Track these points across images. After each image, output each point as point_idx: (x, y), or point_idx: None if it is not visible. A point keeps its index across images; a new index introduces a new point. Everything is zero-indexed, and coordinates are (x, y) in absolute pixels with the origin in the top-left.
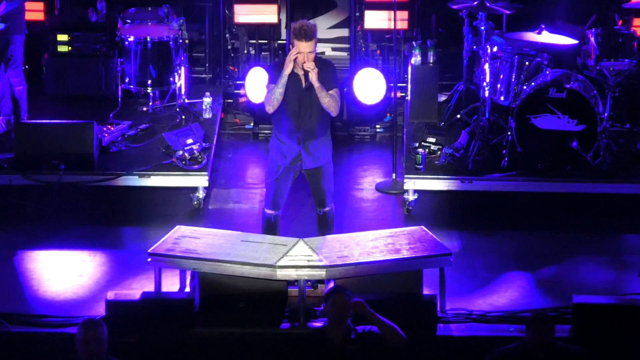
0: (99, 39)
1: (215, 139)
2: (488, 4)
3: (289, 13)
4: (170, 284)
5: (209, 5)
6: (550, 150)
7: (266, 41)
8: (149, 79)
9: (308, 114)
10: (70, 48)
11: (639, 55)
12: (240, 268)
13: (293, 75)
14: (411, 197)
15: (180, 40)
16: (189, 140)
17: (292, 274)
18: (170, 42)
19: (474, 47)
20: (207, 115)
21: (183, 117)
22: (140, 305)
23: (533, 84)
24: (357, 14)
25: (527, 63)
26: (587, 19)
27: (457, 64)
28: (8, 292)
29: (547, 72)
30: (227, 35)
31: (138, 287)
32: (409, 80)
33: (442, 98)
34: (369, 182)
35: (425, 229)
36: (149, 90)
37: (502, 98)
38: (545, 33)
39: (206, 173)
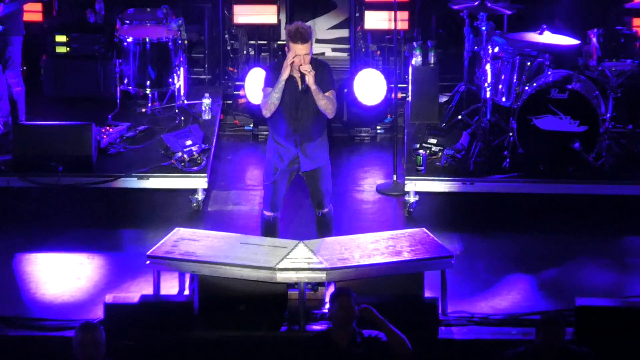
0: (98, 40)
1: (214, 140)
2: (489, 4)
3: (289, 14)
4: (169, 286)
5: (208, 6)
6: (552, 151)
7: (266, 42)
8: (147, 80)
9: (305, 116)
10: (68, 49)
11: None
12: (240, 271)
13: (289, 77)
14: (412, 198)
15: (180, 41)
16: (188, 142)
17: (292, 276)
18: (169, 43)
19: (475, 47)
20: (207, 116)
21: (182, 118)
22: (139, 308)
23: (535, 84)
24: (357, 15)
25: (528, 64)
26: (588, 19)
27: (458, 64)
28: (6, 294)
29: (549, 73)
30: (227, 36)
31: (137, 290)
32: (410, 81)
33: (443, 99)
34: (369, 184)
35: (427, 231)
36: (148, 91)
37: (503, 99)
38: (546, 33)
39: (205, 175)
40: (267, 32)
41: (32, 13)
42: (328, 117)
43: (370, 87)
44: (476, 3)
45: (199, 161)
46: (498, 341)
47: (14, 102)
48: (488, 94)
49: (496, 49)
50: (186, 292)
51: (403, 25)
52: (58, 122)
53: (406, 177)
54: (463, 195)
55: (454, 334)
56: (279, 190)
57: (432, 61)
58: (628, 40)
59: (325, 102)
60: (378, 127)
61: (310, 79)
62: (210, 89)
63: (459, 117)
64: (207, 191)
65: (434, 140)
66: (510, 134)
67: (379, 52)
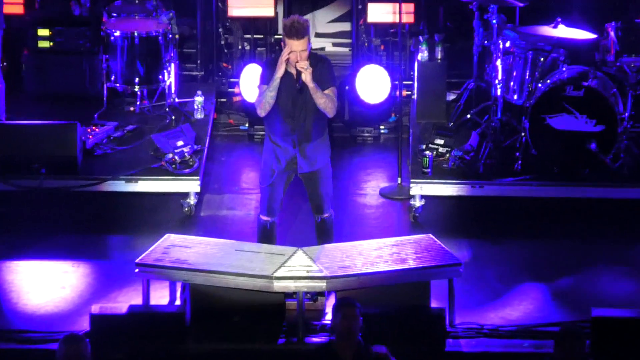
0: (83, 34)
1: (207, 140)
2: None
3: (287, 6)
4: (160, 296)
5: None
6: (567, 152)
7: (262, 36)
8: (136, 76)
9: (302, 115)
10: (51, 44)
11: None
12: (235, 279)
13: (286, 74)
14: (418, 203)
15: (170, 35)
16: (180, 143)
17: (290, 285)
18: (159, 37)
19: (485, 42)
20: (199, 115)
21: (173, 117)
22: (127, 319)
23: (548, 81)
24: (360, 7)
25: (542, 59)
26: (606, 11)
27: (466, 60)
28: None
29: (564, 69)
30: (220, 29)
31: (125, 300)
32: (415, 77)
33: (451, 97)
34: (372, 187)
35: (433, 237)
36: (137, 88)
37: (515, 97)
38: (561, 27)
39: (198, 177)
40: (263, 25)
41: (13, 5)
42: (328, 116)
43: (373, 84)
44: None
45: (191, 163)
46: (509, 354)
47: None
48: (499, 92)
49: (507, 44)
50: (177, 302)
51: (408, 18)
52: (41, 121)
53: (411, 180)
54: (472, 199)
55: (462, 346)
56: (276, 194)
57: (439, 56)
58: None
59: (324, 101)
60: (382, 127)
61: (307, 77)
62: (203, 86)
63: (468, 116)
64: (199, 195)
65: (441, 141)
66: (522, 134)
67: (382, 47)
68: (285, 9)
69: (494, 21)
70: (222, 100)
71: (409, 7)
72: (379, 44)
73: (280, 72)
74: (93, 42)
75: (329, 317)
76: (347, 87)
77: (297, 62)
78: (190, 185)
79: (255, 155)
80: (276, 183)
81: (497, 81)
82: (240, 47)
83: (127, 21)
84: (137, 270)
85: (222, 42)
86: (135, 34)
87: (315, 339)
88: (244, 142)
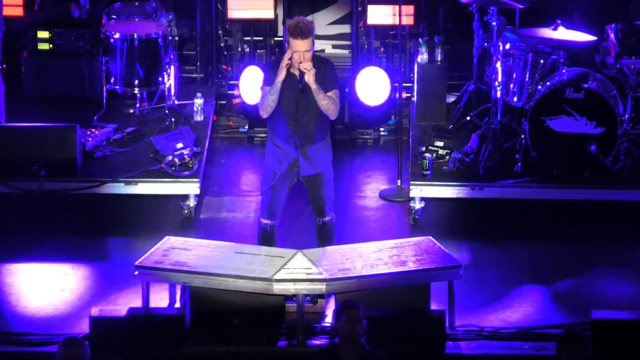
0: (82, 36)
1: (207, 143)
2: None
3: (286, 8)
4: (159, 299)
5: None
6: (567, 154)
7: (262, 38)
8: (136, 79)
9: (305, 117)
10: (51, 46)
11: None
12: (235, 282)
13: (289, 75)
14: (418, 205)
15: (170, 38)
16: (179, 145)
17: (290, 288)
18: (159, 40)
19: (485, 44)
20: (199, 117)
21: (172, 119)
22: (127, 322)
23: (548, 83)
24: (360, 9)
25: (542, 61)
26: (606, 13)
27: (466, 62)
28: None
29: (564, 71)
30: (220, 31)
31: (124, 303)
32: (415, 79)
33: (451, 99)
34: (372, 190)
35: (433, 240)
36: (136, 91)
37: (515, 99)
38: (561, 29)
39: (197, 180)
40: (263, 27)
41: (12, 7)
42: (330, 119)
43: (373, 86)
44: None
45: (191, 165)
46: (509, 357)
47: None
48: (499, 94)
49: (507, 46)
50: (177, 304)
51: (408, 20)
52: (40, 123)
53: (411, 182)
54: (472, 201)
55: (462, 349)
56: (278, 197)
57: (439, 58)
58: None
59: (326, 103)
60: (381, 129)
61: (310, 78)
62: (203, 89)
63: (468, 118)
64: (199, 197)
65: (440, 143)
66: (522, 136)
67: (382, 49)
68: (285, 11)
69: (494, 23)
70: (222, 102)
71: (409, 9)
72: (378, 46)
73: (281, 75)
74: (93, 44)
75: (329, 319)
76: (347, 89)
77: (301, 62)
78: (189, 188)
79: (255, 157)
80: (278, 186)
81: (497, 83)
82: (239, 49)
83: (126, 23)
84: (136, 272)
85: (222, 45)
86: (135, 36)
87: (315, 342)
88: (243, 144)
